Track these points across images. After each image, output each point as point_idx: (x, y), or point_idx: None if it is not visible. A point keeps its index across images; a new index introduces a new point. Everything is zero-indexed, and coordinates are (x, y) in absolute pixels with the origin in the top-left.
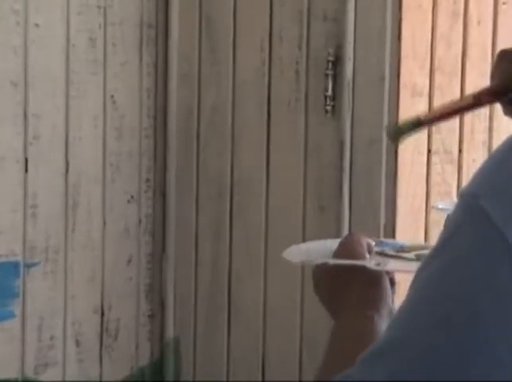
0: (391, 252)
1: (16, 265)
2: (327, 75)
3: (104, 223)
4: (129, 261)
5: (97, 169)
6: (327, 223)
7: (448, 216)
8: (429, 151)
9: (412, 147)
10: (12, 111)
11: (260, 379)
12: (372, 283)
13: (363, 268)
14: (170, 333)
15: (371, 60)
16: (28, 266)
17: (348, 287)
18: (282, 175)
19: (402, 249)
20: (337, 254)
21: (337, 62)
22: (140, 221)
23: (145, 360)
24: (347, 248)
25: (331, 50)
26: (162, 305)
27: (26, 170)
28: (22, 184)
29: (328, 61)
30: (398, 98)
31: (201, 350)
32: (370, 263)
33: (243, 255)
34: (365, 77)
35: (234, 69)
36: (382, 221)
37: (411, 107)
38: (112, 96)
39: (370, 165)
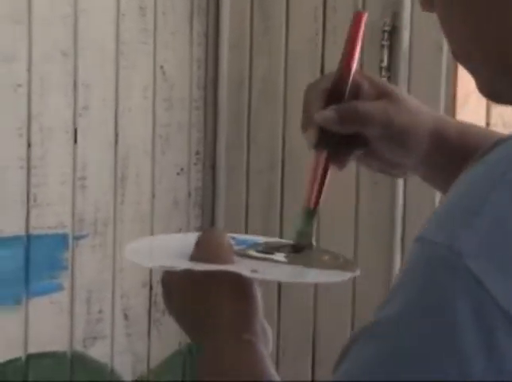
0: (255, 253)
1: (65, 237)
2: (382, 45)
3: (153, 195)
4: None
5: (146, 141)
6: (381, 197)
7: (407, 261)
8: (488, 125)
9: (470, 121)
10: (62, 81)
11: (310, 356)
12: (242, 294)
13: (231, 275)
14: None
15: (429, 30)
16: (76, 238)
17: (213, 300)
18: None
19: (258, 247)
20: (195, 256)
21: (393, 32)
22: (189, 194)
23: None
24: (208, 249)
25: (387, 20)
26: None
27: (75, 141)
28: (71, 155)
29: (384, 31)
30: (456, 68)
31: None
32: (243, 268)
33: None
34: (422, 47)
35: (286, 39)
36: (438, 194)
37: (469, 77)
38: (162, 67)
39: None
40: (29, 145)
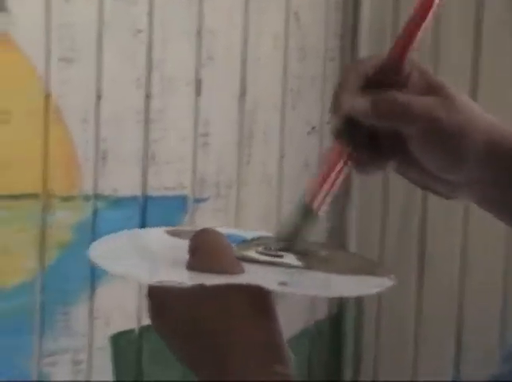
0: (259, 256)
1: (184, 199)
2: None
3: (282, 155)
4: None
5: (276, 95)
6: None
7: None
8: None
9: None
10: (185, 27)
11: (454, 344)
12: (266, 312)
13: (251, 289)
14: None
15: None
16: (197, 201)
17: (233, 321)
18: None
19: (252, 245)
20: (195, 265)
21: None
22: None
23: (322, 313)
24: (211, 256)
25: None
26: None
27: (198, 94)
28: (193, 109)
29: None
30: None
31: (386, 305)
32: (267, 280)
33: (439, 203)
34: None
35: None
36: None
37: None
38: (296, 13)
39: None
40: (147, 96)
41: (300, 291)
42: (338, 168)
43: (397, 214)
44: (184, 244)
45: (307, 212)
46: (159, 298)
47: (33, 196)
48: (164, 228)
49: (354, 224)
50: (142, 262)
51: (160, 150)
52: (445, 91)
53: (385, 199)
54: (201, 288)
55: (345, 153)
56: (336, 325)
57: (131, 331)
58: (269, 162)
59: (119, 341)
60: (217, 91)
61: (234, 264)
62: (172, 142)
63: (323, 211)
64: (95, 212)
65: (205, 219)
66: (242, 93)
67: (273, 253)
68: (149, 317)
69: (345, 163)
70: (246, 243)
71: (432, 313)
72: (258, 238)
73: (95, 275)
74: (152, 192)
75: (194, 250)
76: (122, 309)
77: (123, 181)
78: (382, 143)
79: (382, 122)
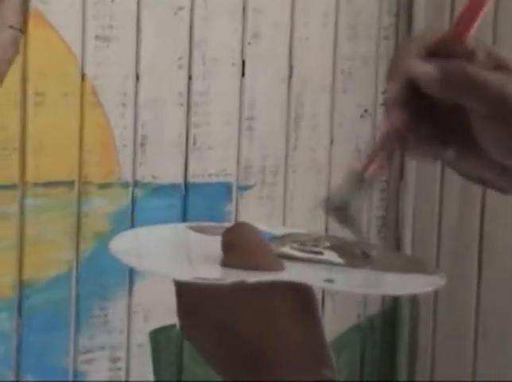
0: (297, 252)
1: (228, 187)
2: None
3: (331, 141)
4: None
5: (325, 76)
6: None
7: None
8: None
9: None
10: (229, 4)
11: None
12: (311, 311)
13: (295, 286)
14: None
15: None
16: (241, 188)
17: (278, 321)
18: None
19: (282, 240)
20: (232, 261)
21: None
22: (374, 141)
23: (375, 308)
24: (249, 252)
25: None
26: (397, 242)
27: (243, 75)
28: (238, 91)
29: None
30: None
31: (444, 299)
32: (312, 277)
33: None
34: None
35: None
36: None
37: None
38: None
39: None
40: (189, 78)
41: (348, 289)
42: (392, 138)
43: (455, 203)
44: (211, 240)
45: (359, 181)
46: (191, 296)
47: (68, 183)
48: (186, 224)
49: (410, 212)
50: (171, 258)
51: (203, 134)
52: None
53: (442, 187)
54: (241, 286)
55: (401, 123)
56: (390, 321)
57: (172, 327)
58: (318, 148)
59: (159, 337)
60: (263, 72)
61: (274, 261)
62: (215, 127)
63: (376, 179)
64: (134, 201)
65: (250, 207)
66: (289, 74)
67: (312, 250)
68: (178, 316)
69: (400, 135)
70: (278, 239)
71: (493, 309)
72: (289, 234)
73: (132, 268)
74: (194, 180)
75: (229, 245)
76: (162, 303)
77: (163, 168)
78: (441, 122)
79: (450, 93)
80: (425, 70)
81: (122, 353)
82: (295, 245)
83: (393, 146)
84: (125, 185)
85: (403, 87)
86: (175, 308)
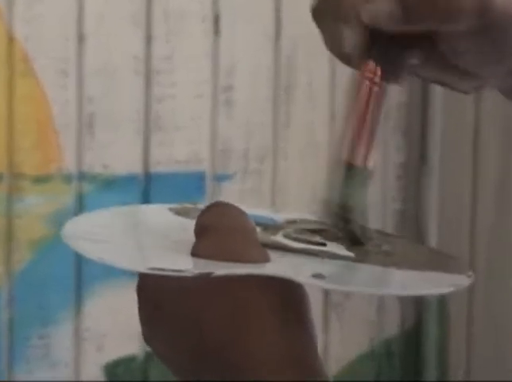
0: (292, 242)
1: (200, 177)
2: None
3: (332, 116)
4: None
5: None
6: None
7: None
8: None
9: None
10: None
11: None
12: (292, 314)
13: (279, 282)
14: None
15: None
16: (218, 179)
17: (245, 327)
18: None
19: (280, 227)
20: (204, 247)
21: None
22: (387, 116)
23: (391, 328)
24: (225, 236)
25: None
26: (420, 238)
27: (217, 33)
28: (211, 55)
29: None
30: None
31: (480, 314)
32: (299, 271)
33: None
34: None
35: None
36: None
37: None
38: None
39: None
40: (148, 38)
41: (341, 287)
42: (372, 100)
43: (491, 192)
44: (192, 225)
45: (351, 172)
46: (151, 291)
47: None
48: (167, 206)
49: (434, 205)
50: (133, 245)
51: (167, 111)
52: None
53: (475, 171)
54: (207, 279)
55: (375, 77)
56: (412, 344)
57: (133, 358)
58: (316, 125)
59: (117, 371)
60: (242, 30)
61: (256, 251)
62: (182, 101)
63: (370, 162)
64: (80, 197)
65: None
66: (277, 33)
67: (311, 240)
68: (139, 320)
69: (378, 91)
70: (275, 226)
71: None
72: (294, 220)
73: (81, 283)
74: (156, 169)
75: (201, 230)
76: (120, 327)
77: (117, 155)
78: (402, 44)
79: (418, 25)
80: (383, 11)
81: None
82: (292, 234)
83: (376, 108)
84: (67, 178)
85: (360, 32)
86: (135, 333)
